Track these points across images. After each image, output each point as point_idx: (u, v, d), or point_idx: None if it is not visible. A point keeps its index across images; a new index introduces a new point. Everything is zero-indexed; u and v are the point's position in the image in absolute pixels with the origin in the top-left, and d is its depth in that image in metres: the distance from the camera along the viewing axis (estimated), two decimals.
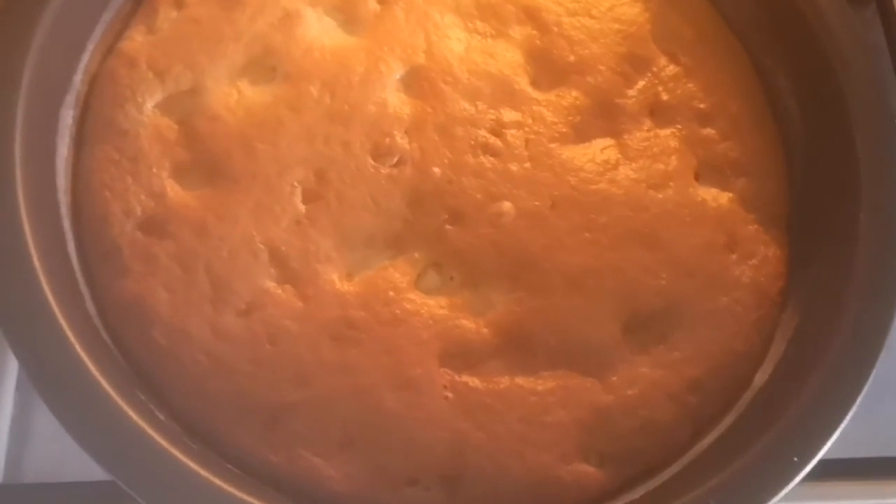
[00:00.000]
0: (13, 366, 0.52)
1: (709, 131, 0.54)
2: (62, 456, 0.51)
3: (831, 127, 0.53)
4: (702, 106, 0.54)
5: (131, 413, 0.40)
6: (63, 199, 0.48)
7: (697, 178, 0.53)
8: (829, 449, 0.44)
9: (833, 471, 0.50)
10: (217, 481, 0.40)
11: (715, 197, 0.52)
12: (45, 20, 0.48)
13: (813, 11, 0.54)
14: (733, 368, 0.49)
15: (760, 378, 0.49)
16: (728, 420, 0.48)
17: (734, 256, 0.51)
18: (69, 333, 0.41)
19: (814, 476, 0.45)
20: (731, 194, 0.53)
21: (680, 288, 0.49)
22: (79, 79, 0.51)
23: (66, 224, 0.48)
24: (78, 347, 0.41)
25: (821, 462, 0.45)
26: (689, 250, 0.50)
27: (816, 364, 0.46)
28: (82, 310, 0.45)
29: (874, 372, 0.46)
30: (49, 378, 0.41)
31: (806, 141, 0.55)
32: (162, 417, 0.44)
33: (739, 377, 0.49)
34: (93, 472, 0.47)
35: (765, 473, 0.43)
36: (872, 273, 0.48)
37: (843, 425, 0.44)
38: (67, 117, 0.50)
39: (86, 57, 0.51)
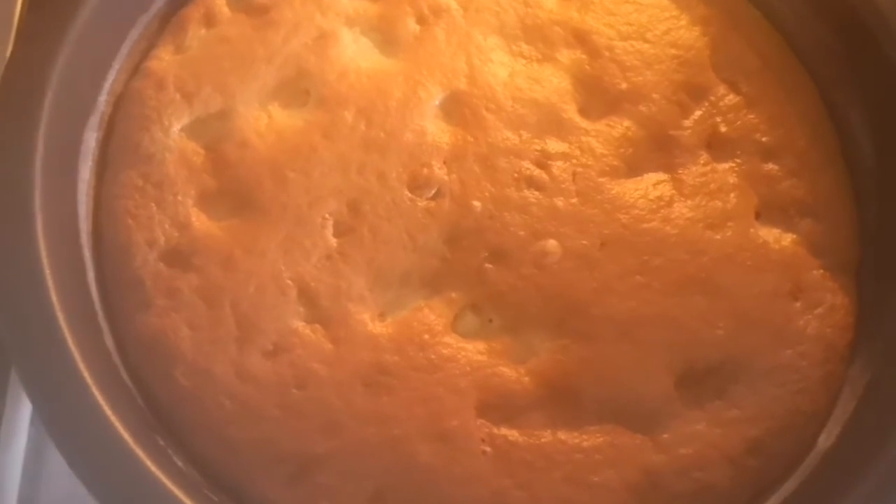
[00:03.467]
0: (27, 402, 0.53)
1: (771, 167, 0.54)
2: (75, 494, 0.51)
3: None
4: (764, 139, 0.54)
5: (147, 461, 0.41)
6: (84, 225, 0.49)
7: (758, 217, 0.53)
8: None
9: None
10: None
11: (777, 239, 0.52)
12: (71, 38, 0.50)
13: (890, 41, 0.54)
14: (797, 429, 0.48)
15: (826, 440, 0.49)
16: (790, 486, 0.47)
17: (798, 305, 0.50)
18: (85, 372, 0.42)
19: None
20: (795, 236, 0.52)
21: (739, 339, 0.49)
22: (103, 99, 0.52)
23: (87, 252, 0.49)
24: (94, 388, 0.42)
25: None
26: (749, 298, 0.50)
27: (892, 430, 0.45)
28: (100, 345, 0.46)
29: None
30: (61, 420, 0.41)
31: (879, 180, 0.55)
32: (181, 464, 0.44)
33: (803, 438, 0.49)
34: None
35: None
36: None
37: None
38: (91, 140, 0.51)
39: (111, 76, 0.53)
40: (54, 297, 0.43)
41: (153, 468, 0.40)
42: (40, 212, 0.45)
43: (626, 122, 0.54)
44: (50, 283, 0.44)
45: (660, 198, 0.52)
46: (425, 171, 0.51)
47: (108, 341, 0.47)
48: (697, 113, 0.55)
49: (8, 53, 0.57)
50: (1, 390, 0.53)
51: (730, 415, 0.48)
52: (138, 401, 0.46)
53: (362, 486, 0.45)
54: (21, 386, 0.51)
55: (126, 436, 0.41)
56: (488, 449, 0.46)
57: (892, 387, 0.48)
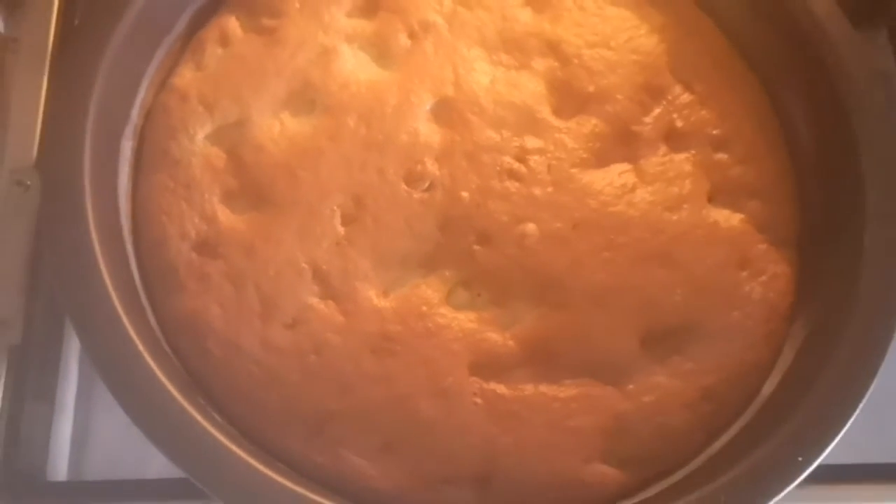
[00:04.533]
0: (73, 377, 0.62)
1: (722, 156, 0.62)
2: (120, 455, 0.61)
3: (840, 151, 0.61)
4: (715, 132, 0.63)
5: (196, 415, 0.49)
6: (125, 222, 0.58)
7: (711, 200, 0.61)
8: (838, 455, 0.52)
9: (841, 475, 0.58)
10: (275, 475, 0.48)
11: (727, 218, 0.60)
12: (106, 60, 0.58)
13: (824, 42, 0.62)
14: (744, 378, 0.57)
15: (769, 388, 0.57)
16: (738, 425, 0.56)
17: (745, 274, 0.59)
18: (140, 344, 0.51)
19: (824, 480, 0.55)
20: (742, 216, 0.61)
21: (694, 304, 0.57)
22: (136, 112, 0.61)
23: (129, 245, 0.57)
24: (147, 356, 0.50)
25: (830, 467, 0.54)
26: (702, 269, 0.58)
27: (821, 373, 0.54)
28: (145, 323, 0.54)
29: (877, 381, 0.54)
30: (123, 384, 0.50)
31: (815, 164, 0.63)
32: (220, 420, 0.52)
33: (750, 387, 0.57)
34: (147, 470, 0.57)
35: (772, 471, 0.51)
36: (876, 289, 0.56)
37: (845, 429, 0.52)
38: (127, 148, 0.60)
39: (142, 92, 0.61)
40: (108, 283, 0.52)
41: (200, 419, 0.49)
42: (91, 211, 0.54)
43: (594, 120, 0.62)
44: (104, 270, 0.52)
45: (624, 185, 0.60)
46: (419, 167, 0.59)
47: (151, 320, 0.55)
48: (656, 110, 0.63)
49: (44, 80, 0.65)
50: (54, 374, 0.62)
51: (686, 367, 0.56)
52: (179, 368, 0.54)
53: (372, 437, 0.53)
54: (68, 360, 0.61)
55: (178, 395, 0.50)
56: (479, 401, 0.54)
57: (823, 341, 0.56)
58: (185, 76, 0.62)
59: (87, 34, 0.59)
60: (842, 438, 0.52)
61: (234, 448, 0.49)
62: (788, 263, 0.60)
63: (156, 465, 0.58)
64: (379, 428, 0.54)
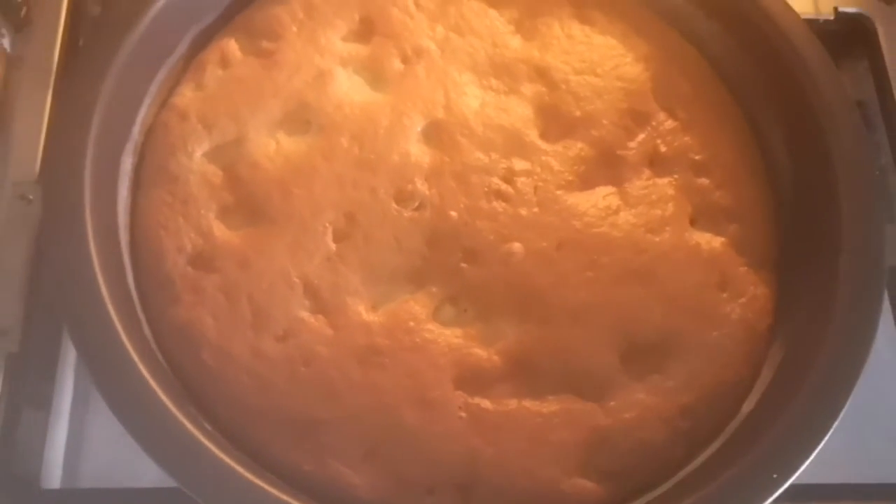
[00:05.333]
0: (69, 385, 0.64)
1: (703, 181, 0.65)
2: (113, 464, 0.62)
3: (818, 178, 0.63)
4: (697, 157, 0.65)
5: (187, 423, 0.51)
6: (123, 236, 0.60)
7: (693, 223, 0.63)
8: (815, 474, 0.54)
9: (817, 495, 0.60)
10: (263, 484, 0.50)
11: (708, 241, 0.63)
12: (109, 79, 0.61)
13: (801, 70, 0.65)
14: (723, 397, 0.59)
15: (748, 406, 0.59)
16: (718, 443, 0.58)
17: (725, 295, 0.61)
18: (133, 354, 0.53)
19: (799, 498, 0.57)
20: (723, 239, 0.63)
21: (674, 322, 0.59)
22: (137, 130, 0.63)
23: (126, 258, 0.60)
24: (141, 366, 0.52)
25: (806, 486, 0.56)
26: (682, 289, 0.60)
27: (797, 392, 0.56)
28: (140, 334, 0.57)
29: (853, 401, 0.56)
30: (116, 392, 0.52)
31: (794, 190, 0.65)
32: (209, 429, 0.54)
33: (729, 405, 0.59)
34: (141, 479, 0.59)
35: (746, 489, 0.53)
36: (851, 310, 0.58)
37: (819, 447, 0.54)
38: (127, 164, 0.62)
39: (143, 111, 0.64)
40: (105, 294, 0.54)
41: (192, 428, 0.51)
42: (90, 225, 0.56)
43: (580, 144, 0.64)
44: (101, 282, 0.54)
45: (608, 207, 0.62)
46: (409, 186, 0.62)
47: (147, 330, 0.58)
48: (641, 136, 0.65)
49: (48, 99, 0.68)
50: (50, 382, 0.64)
51: (666, 385, 0.58)
52: (172, 378, 0.56)
53: (358, 445, 0.55)
54: (65, 368, 0.63)
55: (169, 404, 0.52)
56: (464, 414, 0.56)
57: (800, 362, 0.58)
58: (186, 96, 0.65)
59: (91, 54, 0.62)
60: (818, 457, 0.54)
61: (223, 457, 0.51)
62: (767, 285, 0.63)
63: (150, 474, 0.59)
64: (364, 436, 0.55)
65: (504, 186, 0.62)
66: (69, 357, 0.65)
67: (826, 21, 0.78)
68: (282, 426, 0.55)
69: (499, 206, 0.61)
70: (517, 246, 0.60)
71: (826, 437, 0.54)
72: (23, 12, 0.71)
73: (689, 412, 0.58)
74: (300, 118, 0.64)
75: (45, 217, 0.57)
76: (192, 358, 0.57)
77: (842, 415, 0.55)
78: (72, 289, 0.54)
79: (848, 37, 0.77)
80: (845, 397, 0.56)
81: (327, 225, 0.60)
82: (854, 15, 0.78)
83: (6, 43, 0.70)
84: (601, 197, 0.63)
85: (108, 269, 0.56)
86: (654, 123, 0.66)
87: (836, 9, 0.78)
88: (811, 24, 0.68)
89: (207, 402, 0.56)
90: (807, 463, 0.54)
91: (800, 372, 0.58)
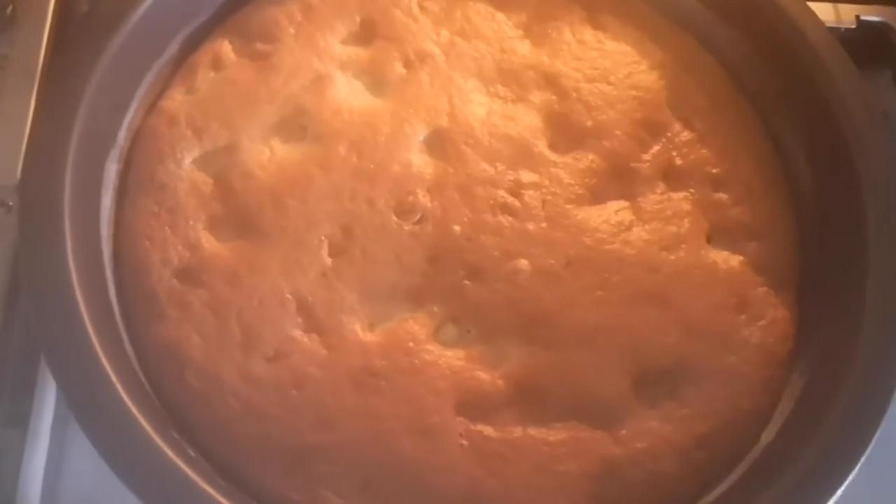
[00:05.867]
0: (50, 403, 0.61)
1: (721, 196, 0.62)
2: (95, 490, 0.59)
3: (842, 194, 0.61)
4: (714, 171, 0.63)
5: (167, 449, 0.48)
6: (106, 247, 0.57)
7: (709, 240, 0.61)
8: None
9: None
10: None
11: (726, 259, 0.60)
12: (94, 81, 0.58)
13: (825, 80, 0.63)
14: (741, 426, 0.56)
15: (767, 437, 0.56)
16: (734, 476, 0.55)
17: (743, 318, 0.58)
18: (111, 373, 0.50)
19: None
20: (741, 257, 0.60)
21: (689, 346, 0.57)
22: (123, 135, 0.60)
23: (109, 271, 0.57)
24: (118, 387, 0.49)
25: None
26: (699, 311, 0.58)
27: (821, 424, 0.53)
28: (121, 352, 0.54)
29: (878, 435, 0.53)
30: (92, 416, 0.49)
31: (817, 206, 0.62)
32: (193, 455, 0.51)
33: (747, 435, 0.56)
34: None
35: None
36: (878, 336, 0.55)
37: (844, 485, 0.51)
38: (111, 171, 0.59)
39: (129, 115, 0.61)
40: (83, 311, 0.51)
41: (171, 455, 0.48)
42: (70, 235, 0.53)
43: (591, 156, 0.62)
44: (79, 298, 0.51)
45: (620, 223, 0.60)
46: (410, 198, 0.59)
47: (128, 349, 0.55)
48: (655, 148, 0.63)
49: (33, 99, 0.65)
50: (28, 399, 0.60)
51: (680, 413, 0.55)
52: (155, 400, 0.53)
53: (353, 475, 0.52)
54: (45, 392, 0.60)
55: (148, 429, 0.48)
56: (465, 442, 0.53)
57: (823, 389, 0.55)
58: (175, 99, 0.62)
59: (75, 54, 0.59)
60: (842, 494, 0.51)
61: (206, 487, 0.48)
62: (788, 308, 0.60)
63: (133, 499, 0.56)
64: (359, 465, 0.52)
65: (510, 200, 0.59)
66: (49, 372, 0.62)
67: (847, 30, 0.75)
68: (271, 454, 0.52)
69: (505, 220, 0.59)
70: (524, 263, 0.57)
71: (853, 474, 0.51)
72: (8, 10, 0.68)
73: (704, 442, 0.55)
74: (296, 124, 0.62)
75: (22, 227, 0.53)
76: (175, 379, 0.54)
77: (870, 448, 0.52)
78: (47, 303, 0.51)
79: (870, 46, 0.74)
80: (873, 429, 0.53)
81: (323, 238, 0.57)
82: (877, 24, 0.75)
83: None
84: (613, 212, 0.60)
85: (88, 283, 0.53)
86: (669, 135, 0.64)
87: (857, 17, 0.76)
88: (832, 32, 0.66)
89: (192, 428, 0.53)
90: (833, 500, 0.51)
91: (823, 401, 0.55)
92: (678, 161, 0.63)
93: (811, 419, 0.54)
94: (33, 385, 0.61)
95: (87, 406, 0.49)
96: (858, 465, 0.52)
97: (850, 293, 0.57)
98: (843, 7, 0.78)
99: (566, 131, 0.63)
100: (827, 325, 0.58)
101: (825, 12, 0.76)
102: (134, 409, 0.49)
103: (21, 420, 0.60)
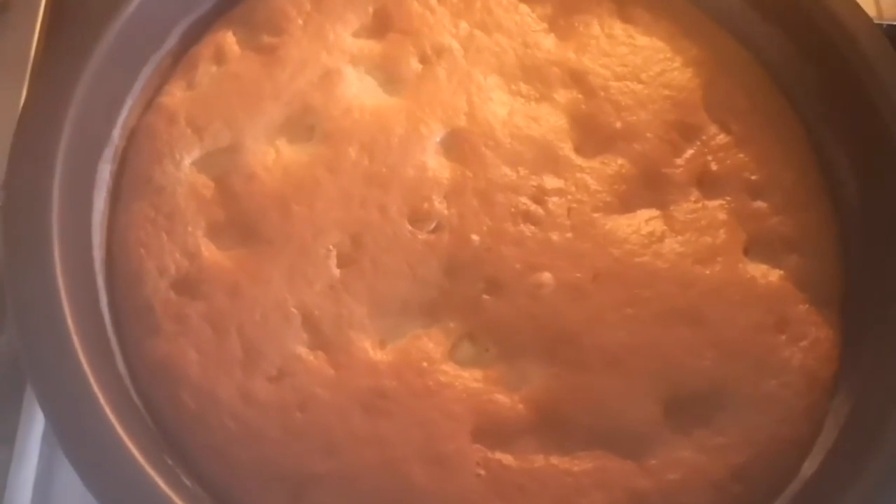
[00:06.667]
0: (39, 420, 0.57)
1: (760, 204, 0.58)
2: None
3: (889, 204, 0.57)
4: (753, 177, 0.59)
5: (157, 479, 0.45)
6: (98, 254, 0.54)
7: (747, 253, 0.57)
8: None
9: None
10: None
11: (765, 274, 0.56)
12: (87, 74, 0.55)
13: (873, 82, 0.59)
14: (780, 456, 0.52)
15: (809, 467, 0.52)
16: None
17: (783, 338, 0.54)
18: (99, 396, 0.46)
19: None
20: (781, 272, 0.56)
21: (725, 370, 0.53)
22: (117, 133, 0.57)
23: (100, 279, 0.53)
24: (107, 410, 0.46)
25: None
26: (736, 330, 0.54)
27: (869, 455, 0.49)
28: (113, 368, 0.50)
29: None
30: (77, 441, 0.45)
31: (863, 218, 0.59)
32: (188, 483, 0.48)
33: (787, 466, 0.52)
34: None
35: None
36: None
37: None
38: (105, 172, 0.56)
39: (125, 111, 0.58)
40: (70, 324, 0.48)
41: (162, 485, 0.44)
42: (57, 240, 0.50)
43: (620, 160, 0.58)
44: (66, 310, 0.48)
45: (651, 233, 0.56)
46: (426, 205, 0.55)
47: (120, 365, 0.51)
48: (689, 152, 0.59)
49: (23, 91, 0.62)
50: (15, 412, 0.57)
51: (715, 442, 0.51)
52: (148, 422, 0.50)
53: None
54: (33, 407, 0.56)
55: (138, 456, 0.45)
56: (482, 472, 0.50)
57: (870, 417, 0.51)
58: (175, 95, 0.59)
59: (67, 45, 0.56)
60: None
61: None
62: (831, 327, 0.56)
63: None
64: (366, 495, 0.49)
65: (533, 207, 0.56)
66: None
67: (889, 27, 0.71)
68: (271, 482, 0.49)
69: (527, 229, 0.55)
70: (547, 276, 0.54)
71: None
72: None
73: (740, 474, 0.51)
74: (303, 123, 0.58)
75: (5, 232, 0.50)
76: (171, 399, 0.50)
77: None
78: (31, 316, 0.48)
79: None
80: None
81: (331, 248, 0.54)
82: None
83: None
84: (643, 221, 0.57)
85: (77, 293, 0.49)
86: (704, 138, 0.60)
87: None
88: None
89: (187, 453, 0.50)
90: None
91: (871, 430, 0.51)
92: (714, 166, 0.59)
93: (857, 449, 0.51)
94: (20, 400, 0.58)
95: (73, 434, 0.45)
96: None
97: None
98: (886, 2, 0.74)
99: (593, 133, 0.59)
100: (873, 346, 0.55)
101: (866, 7, 0.71)
102: (124, 436, 0.46)
103: (6, 438, 0.57)
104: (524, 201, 0.56)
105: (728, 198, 0.58)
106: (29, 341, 0.47)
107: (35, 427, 0.58)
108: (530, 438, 0.51)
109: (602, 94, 0.60)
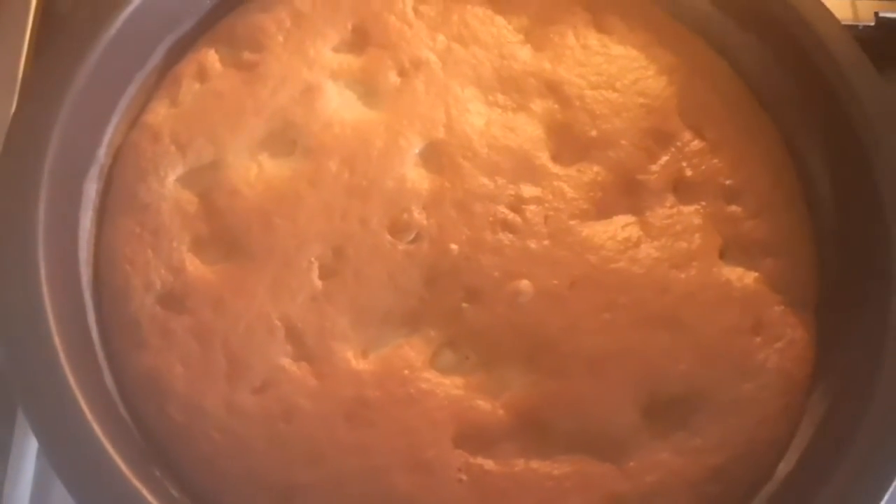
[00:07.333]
0: (34, 436, 0.58)
1: (735, 208, 0.59)
2: None
3: (863, 207, 0.58)
4: (728, 182, 0.60)
5: (145, 491, 0.46)
6: (84, 270, 0.55)
7: (722, 256, 0.58)
8: None
9: None
10: None
11: (740, 277, 0.57)
12: (72, 93, 0.55)
13: (846, 88, 0.59)
14: (757, 457, 0.53)
15: (785, 467, 0.53)
16: None
17: (759, 340, 0.55)
18: (86, 409, 0.47)
19: None
20: (757, 274, 0.57)
21: (702, 373, 0.54)
22: (103, 152, 0.58)
23: (87, 296, 0.54)
24: (94, 424, 0.47)
25: None
26: (712, 334, 0.55)
27: (845, 453, 0.50)
28: (100, 383, 0.52)
29: None
30: (65, 455, 0.47)
31: (837, 221, 0.59)
32: (176, 495, 0.49)
33: (763, 466, 0.53)
34: None
35: None
36: None
37: None
38: (91, 190, 0.57)
39: (110, 130, 0.58)
40: (57, 341, 0.49)
41: (150, 497, 0.46)
42: (43, 259, 0.51)
43: (596, 168, 0.59)
44: (53, 326, 0.49)
45: (627, 239, 0.57)
46: (405, 216, 0.56)
47: (108, 379, 0.52)
48: (664, 158, 0.60)
49: (12, 109, 0.63)
50: (9, 426, 0.58)
51: (693, 444, 0.52)
52: (136, 435, 0.51)
53: None
54: (27, 422, 0.57)
55: (125, 468, 0.46)
56: (464, 477, 0.51)
57: (845, 416, 0.52)
58: (159, 113, 0.60)
59: (52, 63, 0.57)
60: None
61: None
62: (807, 328, 0.57)
63: None
64: (350, 503, 0.50)
65: (511, 216, 0.57)
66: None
67: (866, 28, 0.74)
68: (257, 492, 0.50)
69: (505, 238, 0.56)
70: (525, 284, 0.55)
71: None
72: None
73: (718, 475, 0.52)
74: (285, 138, 0.59)
75: None
76: (158, 412, 0.52)
77: None
78: (18, 332, 0.49)
79: (890, 45, 0.72)
80: None
81: (313, 260, 0.55)
82: None
83: None
84: (620, 227, 0.57)
85: (64, 308, 0.51)
86: (678, 144, 0.60)
87: (876, 14, 0.74)
88: (850, 31, 0.63)
89: (174, 464, 0.51)
90: None
91: (846, 428, 0.52)
92: (688, 172, 0.60)
93: (833, 448, 0.52)
94: (14, 416, 0.59)
95: (61, 449, 0.47)
96: (886, 497, 0.49)
97: (873, 312, 0.54)
98: (861, 4, 0.75)
99: (569, 142, 0.60)
100: (848, 347, 0.55)
101: (842, 9, 0.73)
102: (112, 450, 0.47)
103: (1, 454, 0.58)
104: (502, 210, 0.57)
105: (703, 203, 0.59)
106: (17, 362, 0.48)
107: (30, 443, 0.59)
108: (511, 443, 0.52)
109: (577, 103, 0.61)
